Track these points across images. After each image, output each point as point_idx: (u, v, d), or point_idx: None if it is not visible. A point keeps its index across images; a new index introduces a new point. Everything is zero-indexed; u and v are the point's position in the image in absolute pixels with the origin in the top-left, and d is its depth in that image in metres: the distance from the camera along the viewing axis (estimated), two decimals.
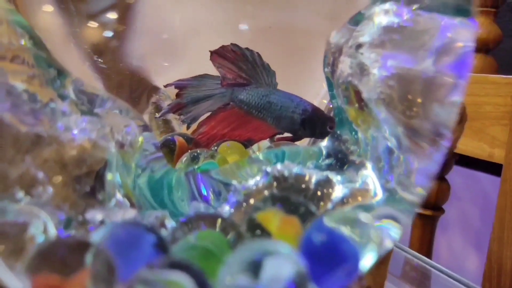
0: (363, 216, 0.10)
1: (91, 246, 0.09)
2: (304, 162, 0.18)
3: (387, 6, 0.15)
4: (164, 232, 0.12)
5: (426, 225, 0.35)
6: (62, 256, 0.08)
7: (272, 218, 0.12)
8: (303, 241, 0.09)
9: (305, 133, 0.21)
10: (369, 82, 0.15)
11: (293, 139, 0.21)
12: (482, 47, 0.31)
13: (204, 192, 0.17)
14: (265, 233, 0.11)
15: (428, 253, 0.36)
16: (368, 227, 0.10)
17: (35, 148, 0.13)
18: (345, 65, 0.16)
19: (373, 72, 0.15)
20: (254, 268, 0.08)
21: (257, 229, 0.11)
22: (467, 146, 0.30)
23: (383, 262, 0.15)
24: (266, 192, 0.14)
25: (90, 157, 0.14)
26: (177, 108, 0.22)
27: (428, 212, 0.35)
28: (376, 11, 0.15)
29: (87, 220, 0.12)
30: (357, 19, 0.16)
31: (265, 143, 0.22)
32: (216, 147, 0.21)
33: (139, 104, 0.23)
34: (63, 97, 0.16)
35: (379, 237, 0.10)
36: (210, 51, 0.19)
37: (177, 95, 0.21)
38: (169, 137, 0.21)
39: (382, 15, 0.15)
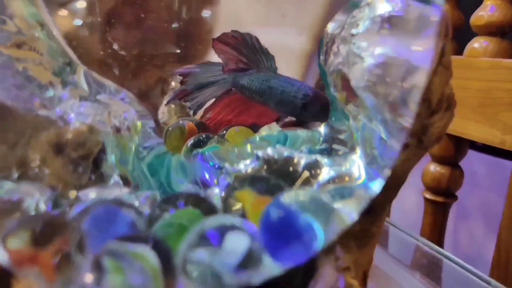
0: (323, 196, 0.10)
1: (65, 222, 0.09)
2: (302, 146, 0.18)
3: None
4: (149, 210, 0.13)
5: (437, 212, 0.35)
6: (36, 230, 0.09)
7: (247, 196, 0.12)
8: (263, 217, 0.10)
9: (306, 117, 0.21)
10: (357, 70, 0.15)
11: (297, 123, 0.22)
12: (497, 31, 0.30)
13: (206, 175, 0.17)
14: (239, 211, 0.12)
15: (439, 240, 0.35)
16: (327, 207, 0.10)
17: (33, 131, 0.14)
18: (336, 54, 0.16)
19: (362, 60, 0.15)
20: (209, 241, 0.09)
21: (232, 207, 0.12)
22: (479, 132, 0.29)
23: (365, 245, 0.15)
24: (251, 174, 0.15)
25: (87, 140, 0.15)
26: (182, 95, 0.22)
27: (439, 199, 0.34)
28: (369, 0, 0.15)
29: (78, 198, 0.13)
30: (351, 7, 0.16)
31: (277, 127, 0.23)
32: (224, 131, 0.21)
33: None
34: (67, 84, 0.17)
35: (337, 217, 0.10)
36: (212, 38, 0.20)
37: (182, 82, 0.22)
38: (180, 122, 0.22)
39: (375, 3, 0.15)
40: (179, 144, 0.20)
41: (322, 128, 0.19)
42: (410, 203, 0.48)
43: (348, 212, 0.10)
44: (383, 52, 0.14)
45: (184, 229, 0.11)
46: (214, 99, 0.21)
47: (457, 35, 0.36)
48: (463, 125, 0.30)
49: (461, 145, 0.33)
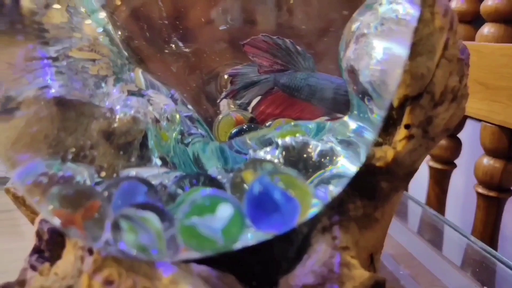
0: (300, 177, 0.12)
1: (95, 192, 0.12)
2: (326, 135, 0.19)
3: None
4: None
5: (490, 207, 0.33)
6: (72, 197, 0.12)
7: (250, 176, 0.14)
8: (247, 192, 0.12)
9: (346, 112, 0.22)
10: (365, 66, 0.16)
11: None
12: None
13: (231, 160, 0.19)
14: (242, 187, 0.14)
15: (492, 237, 0.33)
16: (305, 187, 0.12)
17: (88, 120, 0.17)
18: (349, 51, 0.17)
19: (370, 57, 0.16)
20: (201, 209, 0.11)
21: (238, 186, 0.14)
22: None
23: (367, 228, 0.16)
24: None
25: (131, 129, 0.18)
26: (232, 94, 0.24)
27: (492, 194, 0.33)
28: (383, 1, 0.16)
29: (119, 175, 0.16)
30: (366, 8, 0.17)
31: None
32: (271, 122, 0.23)
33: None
34: (120, 81, 0.20)
35: (313, 195, 0.12)
36: (241, 43, 0.22)
37: (231, 82, 0.24)
38: (230, 113, 0.25)
39: (385, 6, 0.16)
40: (227, 132, 0.22)
41: (347, 119, 0.20)
42: (463, 198, 0.46)
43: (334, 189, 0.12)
44: (387, 50, 0.15)
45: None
46: (260, 97, 0.24)
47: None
48: None
49: None
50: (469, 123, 0.38)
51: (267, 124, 0.23)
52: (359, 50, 0.17)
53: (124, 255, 0.12)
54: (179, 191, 0.14)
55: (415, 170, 0.17)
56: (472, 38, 0.35)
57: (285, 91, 0.23)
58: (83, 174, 0.15)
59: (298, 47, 0.21)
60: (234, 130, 0.23)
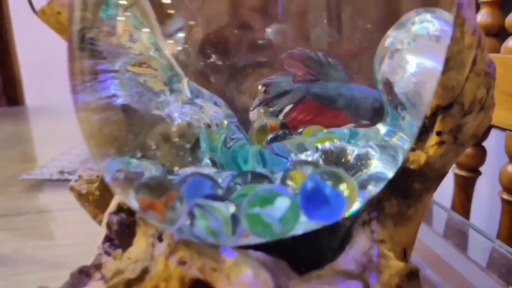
0: (347, 175, 0.14)
1: (171, 184, 0.14)
2: (360, 141, 0.21)
3: (423, 16, 0.18)
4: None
5: None
6: (152, 187, 0.14)
7: (298, 176, 0.16)
8: (301, 188, 0.14)
9: (376, 120, 0.24)
10: (400, 79, 0.18)
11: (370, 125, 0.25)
12: None
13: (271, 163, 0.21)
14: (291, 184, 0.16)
15: None
16: (352, 184, 0.14)
17: (150, 125, 0.19)
18: (384, 65, 0.19)
19: (404, 71, 0.18)
20: (264, 201, 0.13)
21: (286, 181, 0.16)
22: None
23: (401, 225, 0.18)
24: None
25: (186, 133, 0.20)
26: (265, 102, 0.27)
27: None
28: (416, 20, 0.18)
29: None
30: (399, 26, 0.19)
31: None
32: (302, 129, 0.25)
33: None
34: (173, 91, 0.22)
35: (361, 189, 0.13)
36: (281, 57, 0.24)
37: (265, 91, 0.26)
38: (264, 120, 0.27)
39: (418, 24, 0.18)
40: (262, 138, 0.24)
41: (382, 127, 0.22)
42: (487, 204, 0.47)
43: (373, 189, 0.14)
44: (421, 65, 0.17)
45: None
46: (292, 105, 0.26)
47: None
48: None
49: None
50: (494, 132, 0.39)
51: (299, 131, 0.25)
52: (394, 64, 0.19)
53: (197, 239, 0.14)
54: (237, 186, 0.16)
55: (446, 173, 0.19)
56: (497, 51, 0.36)
57: (316, 100, 0.25)
58: (151, 170, 0.17)
59: (329, 59, 0.23)
60: (270, 136, 0.25)
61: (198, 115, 0.21)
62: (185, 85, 0.24)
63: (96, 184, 0.23)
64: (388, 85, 0.19)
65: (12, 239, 0.35)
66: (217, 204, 0.14)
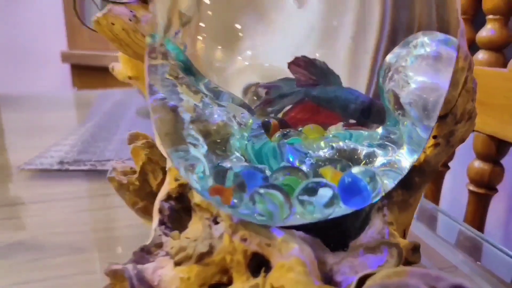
0: (373, 170, 0.18)
1: (238, 174, 0.18)
2: (364, 141, 0.25)
3: (424, 38, 0.21)
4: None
5: (479, 202, 0.40)
6: (222, 177, 0.17)
7: (328, 171, 0.20)
8: (340, 181, 0.17)
9: (363, 120, 0.28)
10: (405, 91, 0.22)
11: (358, 125, 0.29)
12: None
13: (291, 158, 0.25)
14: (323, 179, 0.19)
15: (480, 226, 0.40)
16: (376, 177, 0.18)
17: (195, 123, 0.22)
18: (391, 79, 0.23)
19: (409, 85, 0.22)
20: (313, 190, 0.17)
21: (319, 177, 0.20)
22: None
23: (404, 210, 0.22)
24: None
25: (222, 131, 0.23)
26: (266, 103, 0.30)
27: (481, 191, 0.40)
28: (417, 42, 0.22)
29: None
30: (404, 45, 0.23)
31: (341, 127, 0.30)
32: (301, 128, 0.29)
33: None
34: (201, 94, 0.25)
35: (381, 183, 0.17)
36: (287, 62, 0.27)
37: (266, 93, 0.30)
38: (266, 120, 0.30)
39: (418, 45, 0.21)
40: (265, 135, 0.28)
41: (380, 130, 0.26)
42: (456, 194, 0.53)
43: (388, 183, 0.18)
44: (422, 80, 0.21)
45: (290, 188, 0.19)
46: (290, 105, 0.29)
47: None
48: (503, 128, 0.35)
49: (502, 145, 0.38)
50: None
51: (299, 129, 0.29)
52: (399, 79, 0.23)
53: (254, 220, 0.17)
54: (280, 177, 0.19)
55: (438, 169, 0.23)
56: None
57: (314, 101, 0.28)
58: (202, 162, 0.20)
59: (328, 66, 0.27)
60: (278, 134, 0.28)
61: (230, 116, 0.25)
62: (202, 86, 0.27)
63: (136, 175, 0.26)
64: (395, 96, 0.23)
65: (26, 227, 0.36)
66: (273, 191, 0.17)
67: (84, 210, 0.39)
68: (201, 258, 0.17)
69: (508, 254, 0.33)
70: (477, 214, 0.40)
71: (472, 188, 0.40)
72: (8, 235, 0.34)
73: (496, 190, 0.40)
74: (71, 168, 0.47)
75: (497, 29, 0.37)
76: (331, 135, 0.26)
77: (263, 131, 0.27)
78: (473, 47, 0.42)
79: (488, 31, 0.37)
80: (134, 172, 0.27)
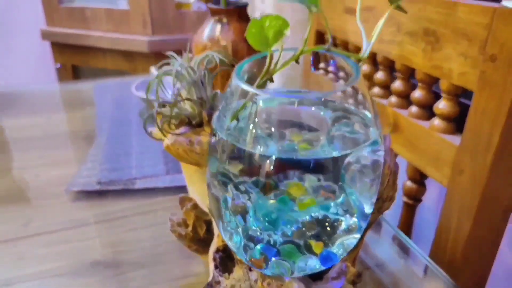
0: (342, 241, 0.33)
1: (264, 253, 0.33)
2: (331, 209, 0.40)
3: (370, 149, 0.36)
4: None
5: (409, 211, 0.57)
6: (256, 256, 0.32)
7: (314, 243, 0.35)
8: (321, 255, 0.33)
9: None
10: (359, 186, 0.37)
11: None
12: None
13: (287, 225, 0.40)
14: None
15: (408, 232, 0.58)
16: (343, 246, 0.33)
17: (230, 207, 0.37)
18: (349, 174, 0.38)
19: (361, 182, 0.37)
20: (303, 262, 0.32)
21: (307, 244, 0.35)
22: None
23: (353, 250, 0.38)
24: None
25: (243, 210, 0.38)
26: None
27: (410, 202, 0.57)
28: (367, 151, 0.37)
29: None
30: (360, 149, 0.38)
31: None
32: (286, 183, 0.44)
33: None
34: None
35: (345, 249, 0.33)
36: None
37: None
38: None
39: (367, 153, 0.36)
40: None
41: (340, 199, 0.41)
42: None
43: (350, 245, 0.33)
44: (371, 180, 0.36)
45: (292, 253, 0.35)
46: None
47: None
48: (424, 164, 0.51)
49: (424, 174, 0.54)
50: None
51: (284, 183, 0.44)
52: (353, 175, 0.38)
53: (273, 273, 0.33)
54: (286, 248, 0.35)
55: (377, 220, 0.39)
56: None
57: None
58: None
59: None
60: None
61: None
62: None
63: (189, 228, 0.40)
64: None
65: (96, 247, 0.50)
66: (284, 262, 0.32)
67: (133, 228, 0.53)
68: None
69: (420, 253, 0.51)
70: (408, 217, 0.57)
71: (405, 199, 0.57)
72: (87, 256, 0.48)
73: (421, 201, 0.57)
74: (109, 188, 0.60)
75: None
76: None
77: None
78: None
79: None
80: (185, 222, 0.41)
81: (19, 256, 0.48)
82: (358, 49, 0.66)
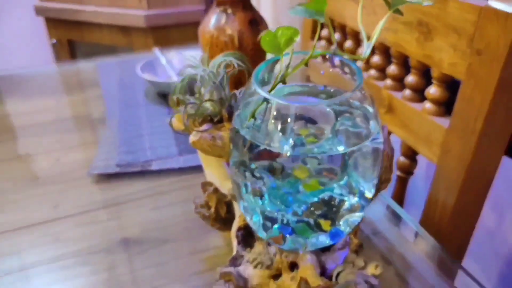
0: (347, 219, 0.39)
1: (281, 231, 0.39)
2: (335, 190, 0.46)
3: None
4: None
5: (402, 184, 0.64)
6: (275, 234, 0.38)
7: (323, 222, 0.41)
8: (330, 231, 0.39)
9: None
10: (361, 171, 0.42)
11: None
12: None
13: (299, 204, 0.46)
14: None
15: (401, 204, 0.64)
16: (348, 223, 0.39)
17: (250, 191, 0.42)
18: (352, 161, 0.43)
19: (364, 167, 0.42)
20: (316, 237, 0.38)
21: (318, 223, 0.41)
22: None
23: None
24: None
25: (259, 193, 0.44)
26: None
27: (403, 175, 0.63)
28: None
29: None
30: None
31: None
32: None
33: None
34: None
35: (350, 226, 0.39)
36: None
37: None
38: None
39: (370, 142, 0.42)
40: None
41: (343, 181, 0.47)
42: None
43: (354, 222, 0.39)
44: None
45: (305, 230, 0.40)
46: None
47: None
48: (416, 141, 0.57)
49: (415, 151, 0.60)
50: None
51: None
52: (357, 162, 0.43)
53: (289, 248, 0.39)
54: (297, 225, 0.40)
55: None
56: None
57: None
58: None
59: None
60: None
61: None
62: None
63: (212, 209, 0.46)
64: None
65: (124, 226, 0.56)
66: (298, 238, 0.38)
67: (154, 208, 0.59)
68: (267, 265, 0.39)
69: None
70: (401, 189, 0.63)
71: (398, 173, 0.63)
72: (117, 234, 0.54)
73: (412, 173, 0.63)
74: (128, 170, 0.65)
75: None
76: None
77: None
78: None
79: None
80: (207, 204, 0.47)
81: (55, 237, 0.53)
82: (355, 33, 0.70)
